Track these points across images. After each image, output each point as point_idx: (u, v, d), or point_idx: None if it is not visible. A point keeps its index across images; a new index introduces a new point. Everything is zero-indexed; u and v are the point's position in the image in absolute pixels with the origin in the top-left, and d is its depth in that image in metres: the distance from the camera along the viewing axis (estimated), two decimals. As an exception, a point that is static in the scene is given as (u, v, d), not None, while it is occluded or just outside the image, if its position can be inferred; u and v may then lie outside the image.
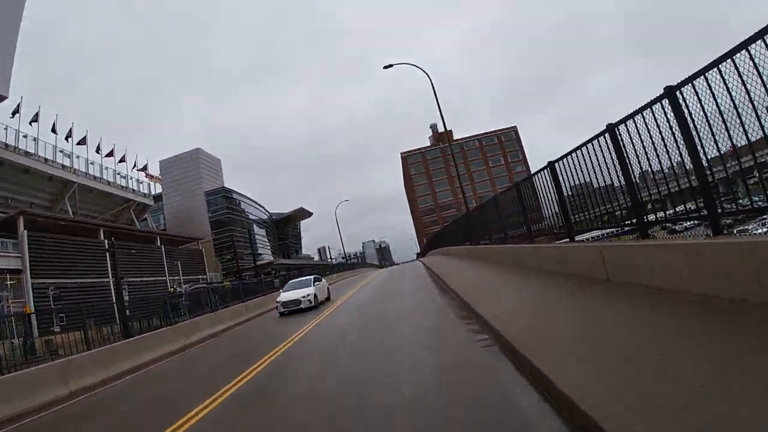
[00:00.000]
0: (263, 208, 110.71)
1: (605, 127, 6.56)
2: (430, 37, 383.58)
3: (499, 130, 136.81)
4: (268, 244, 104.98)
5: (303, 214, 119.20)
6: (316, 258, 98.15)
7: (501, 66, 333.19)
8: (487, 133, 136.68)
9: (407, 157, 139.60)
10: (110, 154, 56.10)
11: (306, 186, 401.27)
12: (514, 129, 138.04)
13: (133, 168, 60.74)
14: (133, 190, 58.17)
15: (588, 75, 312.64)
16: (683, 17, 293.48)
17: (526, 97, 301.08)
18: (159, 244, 52.50)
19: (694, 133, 4.95)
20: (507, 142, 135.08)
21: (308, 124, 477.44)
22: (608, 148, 6.66)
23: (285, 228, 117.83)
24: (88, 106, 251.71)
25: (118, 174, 56.31)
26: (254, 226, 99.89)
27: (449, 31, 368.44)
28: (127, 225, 54.53)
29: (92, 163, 52.52)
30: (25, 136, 43.79)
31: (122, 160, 58.25)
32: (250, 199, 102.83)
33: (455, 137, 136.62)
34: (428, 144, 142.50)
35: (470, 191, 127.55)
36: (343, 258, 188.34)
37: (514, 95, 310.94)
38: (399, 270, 35.56)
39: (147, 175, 72.10)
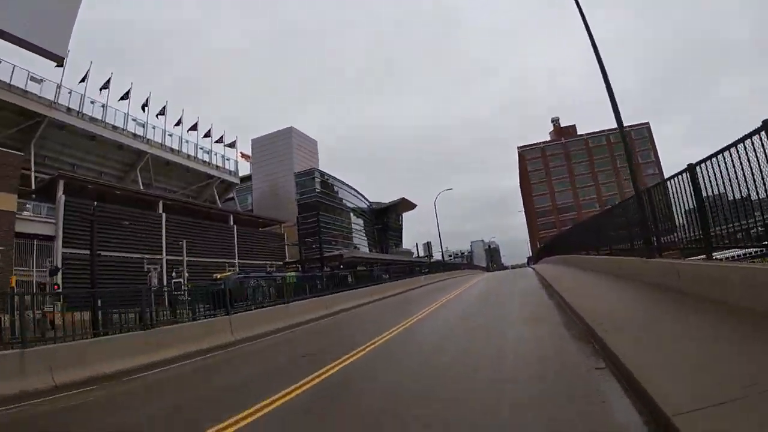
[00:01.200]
0: (363, 196, 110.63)
1: (761, 124, 5.68)
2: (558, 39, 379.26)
3: (630, 126, 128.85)
4: (364, 234, 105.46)
5: (406, 204, 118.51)
6: (415, 254, 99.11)
7: (631, 69, 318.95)
8: (616, 129, 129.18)
9: (524, 153, 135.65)
10: (193, 127, 56.16)
11: (418, 183, 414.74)
12: (647, 126, 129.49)
13: (219, 141, 60.53)
14: (217, 166, 58.31)
15: (714, 84, 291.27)
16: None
17: (656, 103, 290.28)
18: (231, 223, 51.01)
19: None
20: (638, 140, 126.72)
21: (428, 124, 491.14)
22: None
23: (385, 219, 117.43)
24: (210, 105, 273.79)
25: (201, 149, 56.10)
26: (351, 214, 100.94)
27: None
28: (202, 202, 54.05)
29: (170, 135, 52.53)
30: (92, 102, 44.71)
31: (207, 134, 58.20)
32: (348, 186, 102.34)
33: (580, 131, 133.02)
34: (548, 139, 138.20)
35: (594, 193, 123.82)
36: (450, 256, 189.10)
37: (641, 99, 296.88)
38: (505, 279, 31.75)
39: (241, 155, 75.04)
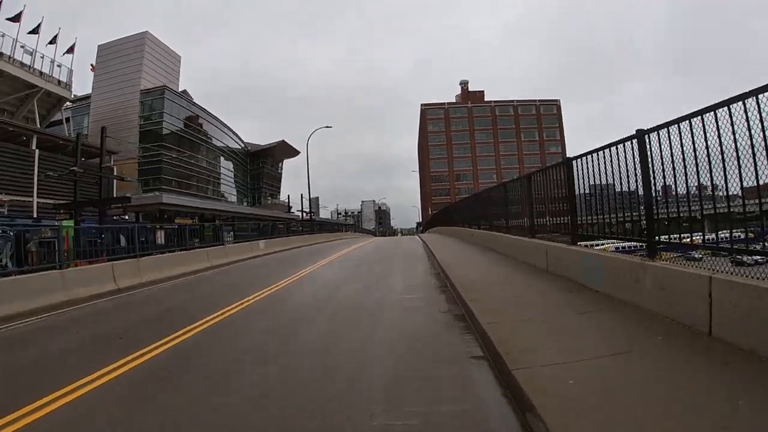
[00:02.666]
0: (236, 135, 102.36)
1: (634, 132, 7.10)
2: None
3: (539, 101, 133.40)
4: (233, 182, 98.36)
5: (286, 149, 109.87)
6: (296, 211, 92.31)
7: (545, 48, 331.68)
8: (525, 100, 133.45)
9: (427, 110, 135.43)
10: (15, 18, 46.30)
11: (319, 138, 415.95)
12: (557, 103, 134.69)
13: (52, 42, 50.60)
14: (41, 72, 48.49)
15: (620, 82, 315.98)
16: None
17: (565, 84, 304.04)
18: (33, 148, 42.49)
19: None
20: (546, 116, 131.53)
21: (333, 77, 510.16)
22: (633, 154, 7.24)
23: (261, 165, 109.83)
24: None
25: (23, 47, 46.41)
26: (219, 155, 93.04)
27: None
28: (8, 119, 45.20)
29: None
30: None
31: (34, 30, 48.51)
32: (218, 120, 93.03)
33: (487, 99, 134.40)
34: (454, 101, 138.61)
35: (493, 164, 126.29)
36: (340, 215, 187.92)
37: (552, 80, 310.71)
38: (390, 247, 30.80)
39: (91, 67, 68.55)
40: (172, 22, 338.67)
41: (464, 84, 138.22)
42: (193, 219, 43.13)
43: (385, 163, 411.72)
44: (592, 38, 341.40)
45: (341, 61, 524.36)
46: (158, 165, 71.14)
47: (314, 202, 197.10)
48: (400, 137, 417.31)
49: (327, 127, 48.77)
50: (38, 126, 47.51)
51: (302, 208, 53.89)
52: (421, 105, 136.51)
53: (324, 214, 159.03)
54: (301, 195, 52.86)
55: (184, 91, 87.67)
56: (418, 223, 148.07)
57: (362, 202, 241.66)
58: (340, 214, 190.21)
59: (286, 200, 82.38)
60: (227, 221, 37.38)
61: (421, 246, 28.49)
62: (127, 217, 39.93)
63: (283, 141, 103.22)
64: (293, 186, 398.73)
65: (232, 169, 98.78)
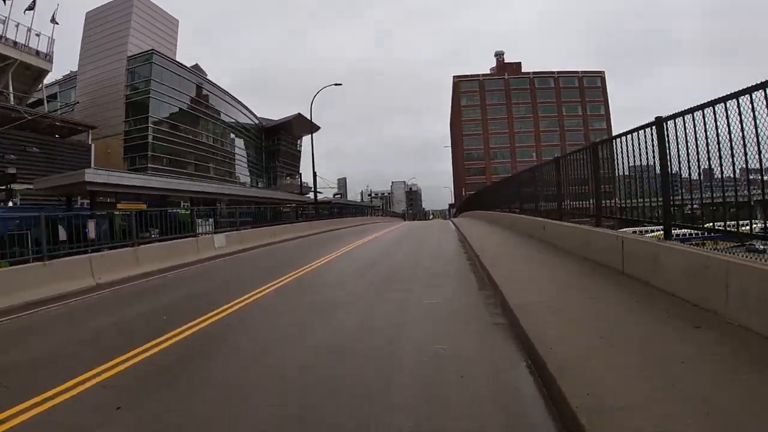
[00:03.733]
0: (248, 110, 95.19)
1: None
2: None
3: (582, 72, 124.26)
4: (245, 161, 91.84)
5: (303, 124, 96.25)
6: (325, 195, 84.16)
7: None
8: (567, 71, 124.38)
9: (460, 83, 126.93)
10: None
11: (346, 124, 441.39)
12: (601, 75, 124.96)
13: (30, 9, 45.48)
14: (15, 42, 43.75)
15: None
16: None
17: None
18: None
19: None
20: (590, 89, 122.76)
21: (365, 63, 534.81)
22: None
23: (276, 142, 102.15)
24: None
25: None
26: (229, 132, 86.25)
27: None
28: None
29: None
30: None
31: (30, 7, 44.77)
32: (225, 92, 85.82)
33: (524, 70, 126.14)
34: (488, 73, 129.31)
35: (532, 140, 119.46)
36: (370, 196, 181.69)
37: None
38: (417, 237, 24.53)
39: None
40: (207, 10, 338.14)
41: (500, 55, 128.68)
42: (184, 203, 37.14)
43: (418, 148, 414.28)
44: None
45: (374, 45, 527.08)
46: (144, 140, 64.72)
47: (342, 184, 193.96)
48: (434, 121, 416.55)
49: (336, 84, 42.20)
50: (11, 102, 42.46)
51: (315, 188, 47.24)
52: (453, 77, 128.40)
53: (353, 196, 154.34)
54: (313, 172, 46.29)
55: (196, 66, 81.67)
56: (451, 205, 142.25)
57: (392, 183, 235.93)
58: (370, 195, 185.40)
59: (306, 181, 75.82)
60: (208, 205, 31.53)
61: (455, 238, 22.58)
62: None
63: (300, 114, 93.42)
64: (324, 167, 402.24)
65: (244, 147, 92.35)
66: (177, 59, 73.91)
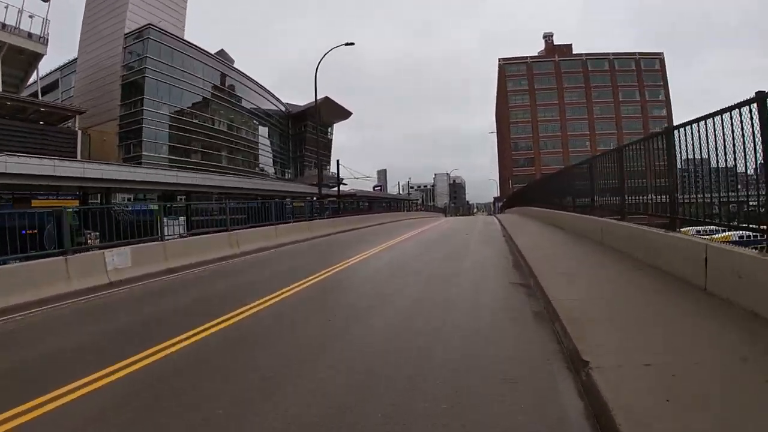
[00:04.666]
0: (271, 95, 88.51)
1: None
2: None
3: (639, 54, 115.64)
4: (269, 150, 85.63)
5: (332, 108, 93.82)
6: (357, 189, 77.29)
7: None
8: (622, 54, 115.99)
9: (505, 66, 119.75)
10: None
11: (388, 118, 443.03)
12: (660, 57, 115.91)
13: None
14: (3, 24, 41.06)
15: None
16: None
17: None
18: None
19: None
20: (647, 72, 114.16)
21: (407, 56, 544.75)
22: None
23: (302, 129, 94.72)
24: None
25: None
26: (252, 119, 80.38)
27: None
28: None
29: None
30: None
31: None
32: (242, 74, 79.21)
33: (576, 51, 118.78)
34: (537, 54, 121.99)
35: (586, 128, 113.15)
36: (413, 188, 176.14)
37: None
38: (450, 249, 17.89)
39: None
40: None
41: (548, 37, 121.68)
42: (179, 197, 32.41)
43: (463, 140, 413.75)
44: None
45: (414, 36, 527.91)
46: (138, 126, 59.20)
47: (382, 176, 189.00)
48: (480, 113, 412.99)
49: (349, 44, 35.64)
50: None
51: (338, 179, 41.54)
52: (499, 60, 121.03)
53: (394, 189, 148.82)
54: (337, 162, 40.45)
55: (221, 52, 76.82)
56: (496, 198, 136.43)
57: (435, 175, 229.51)
58: (411, 187, 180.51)
59: (335, 171, 69.99)
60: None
61: (503, 249, 16.56)
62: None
63: (327, 98, 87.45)
64: (363, 160, 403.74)
65: (267, 135, 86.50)
66: (187, 38, 68.98)
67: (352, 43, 34.23)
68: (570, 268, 9.88)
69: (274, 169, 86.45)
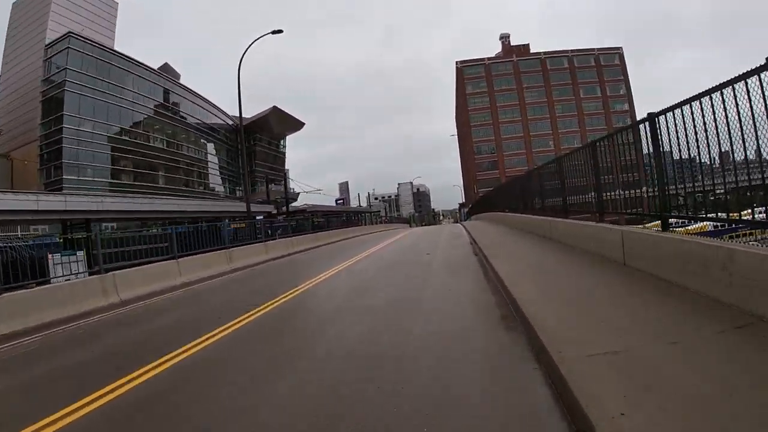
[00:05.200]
0: (217, 108, 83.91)
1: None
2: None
3: (598, 50, 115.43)
4: (216, 168, 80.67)
5: (284, 121, 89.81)
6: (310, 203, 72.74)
7: None
8: (581, 50, 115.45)
9: (463, 69, 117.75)
10: None
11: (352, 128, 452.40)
12: (619, 52, 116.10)
13: None
14: None
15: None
16: None
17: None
18: None
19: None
20: (607, 68, 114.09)
21: (372, 64, 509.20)
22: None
23: (253, 143, 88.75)
24: None
25: None
26: (198, 137, 75.31)
27: None
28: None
29: None
30: None
31: None
32: (181, 85, 74.54)
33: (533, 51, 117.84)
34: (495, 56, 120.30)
35: (548, 127, 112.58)
36: (377, 199, 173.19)
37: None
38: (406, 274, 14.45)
39: None
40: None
41: (505, 38, 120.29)
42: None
43: (426, 148, 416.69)
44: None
45: (374, 45, 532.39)
46: (58, 145, 54.18)
47: (344, 188, 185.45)
48: (442, 118, 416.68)
49: (276, 32, 31.61)
50: None
51: (287, 195, 37.78)
52: (457, 63, 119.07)
53: (357, 201, 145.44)
54: (284, 175, 36.58)
55: (164, 66, 72.56)
56: (461, 204, 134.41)
57: (399, 184, 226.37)
58: (376, 198, 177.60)
59: (294, 187, 65.93)
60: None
61: (476, 271, 13.37)
62: None
63: (275, 107, 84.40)
64: (328, 174, 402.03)
65: (213, 152, 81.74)
66: (117, 48, 63.96)
67: (280, 31, 30.47)
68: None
69: (224, 187, 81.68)
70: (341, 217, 49.29)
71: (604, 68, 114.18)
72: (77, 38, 55.95)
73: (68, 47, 54.88)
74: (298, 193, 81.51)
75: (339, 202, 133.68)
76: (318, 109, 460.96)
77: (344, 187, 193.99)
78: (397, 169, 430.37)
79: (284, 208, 53.76)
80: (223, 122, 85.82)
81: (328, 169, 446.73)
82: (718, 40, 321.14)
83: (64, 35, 55.21)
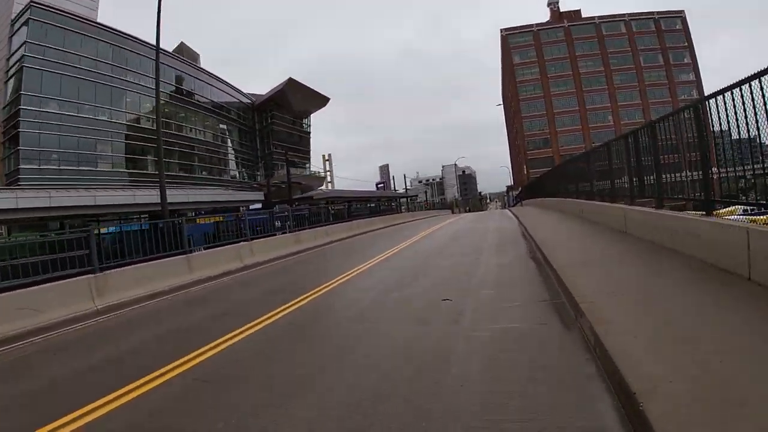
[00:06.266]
0: (227, 84, 77.19)
1: None
2: None
3: (658, 13, 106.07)
4: (230, 148, 74.13)
5: (302, 94, 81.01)
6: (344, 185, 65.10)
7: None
8: (639, 14, 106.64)
9: (509, 37, 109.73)
10: None
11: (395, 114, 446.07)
12: (681, 16, 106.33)
13: None
14: None
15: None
16: None
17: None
18: None
19: None
20: (669, 34, 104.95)
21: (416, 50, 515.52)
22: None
23: (268, 121, 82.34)
24: None
25: None
26: (211, 116, 69.69)
27: None
28: None
29: None
30: None
31: None
32: (187, 62, 68.59)
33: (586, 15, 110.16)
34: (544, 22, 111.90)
35: (606, 100, 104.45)
36: (421, 182, 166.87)
37: None
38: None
39: None
40: None
41: (553, 4, 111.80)
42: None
43: (473, 131, 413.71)
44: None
45: (421, 31, 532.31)
46: (15, 129, 49.19)
47: (384, 171, 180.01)
48: (486, 104, 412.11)
49: None
50: None
51: (289, 179, 31.84)
52: (501, 31, 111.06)
53: (400, 185, 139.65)
54: (286, 158, 30.52)
55: (180, 46, 67.49)
56: (509, 187, 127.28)
57: (443, 166, 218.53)
58: (420, 182, 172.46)
59: (320, 170, 59.57)
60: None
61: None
62: None
63: (291, 79, 76.26)
64: (369, 159, 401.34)
65: (225, 133, 74.97)
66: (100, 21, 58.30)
67: None
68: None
69: (239, 172, 75.92)
70: (367, 205, 43.22)
71: (666, 34, 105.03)
72: (39, 6, 50.67)
73: (29, 18, 49.89)
74: (323, 177, 75.75)
75: (380, 186, 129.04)
76: (365, 98, 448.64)
77: (385, 170, 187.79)
78: (444, 155, 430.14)
79: (293, 194, 47.73)
80: (236, 100, 79.69)
81: (375, 157, 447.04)
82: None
83: (26, 6, 50.31)
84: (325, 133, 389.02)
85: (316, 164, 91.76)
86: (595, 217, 16.98)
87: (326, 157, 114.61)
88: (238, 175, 71.98)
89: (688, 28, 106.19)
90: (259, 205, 46.97)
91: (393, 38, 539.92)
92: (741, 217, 8.12)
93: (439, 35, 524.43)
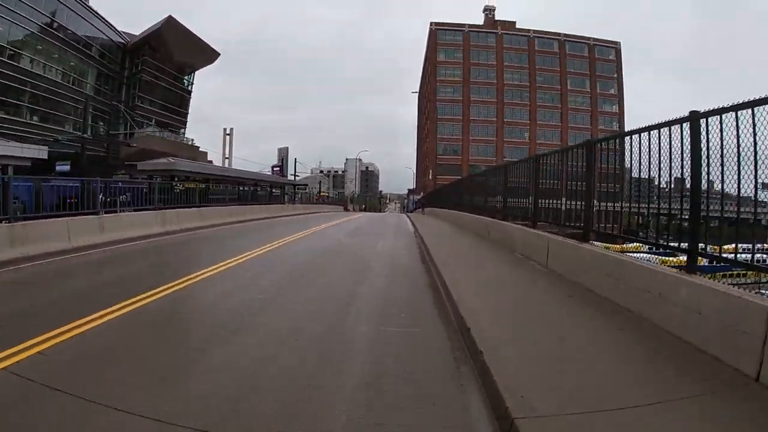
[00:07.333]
0: (100, 18, 64.68)
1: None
2: None
3: (594, 40, 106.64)
4: (73, 95, 61.28)
5: (185, 41, 70.95)
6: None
7: None
8: (574, 36, 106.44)
9: (438, 32, 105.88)
10: None
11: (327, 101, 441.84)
12: (616, 47, 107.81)
13: None
14: None
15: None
16: None
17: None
18: None
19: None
20: (601, 62, 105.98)
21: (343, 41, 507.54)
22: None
23: (138, 69, 70.85)
24: None
25: None
26: (65, 52, 58.29)
27: None
28: None
29: None
30: None
31: None
32: None
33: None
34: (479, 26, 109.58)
35: (526, 116, 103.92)
36: (322, 172, 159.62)
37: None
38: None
39: None
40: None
41: (489, 11, 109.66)
42: None
43: (387, 130, 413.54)
44: None
45: (353, 21, 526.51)
46: None
47: (284, 154, 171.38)
48: (407, 104, 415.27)
49: None
50: None
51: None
52: (431, 24, 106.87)
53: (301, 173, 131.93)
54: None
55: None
56: (410, 190, 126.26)
57: (346, 159, 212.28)
58: (321, 171, 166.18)
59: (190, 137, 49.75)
60: None
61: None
62: None
63: (171, 18, 65.64)
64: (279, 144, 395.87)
65: (75, 73, 62.11)
66: None
67: None
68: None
69: (89, 125, 60.42)
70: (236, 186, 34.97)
71: (598, 62, 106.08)
72: None
73: None
74: (195, 148, 66.42)
75: (276, 169, 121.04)
76: (289, 79, 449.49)
77: (283, 153, 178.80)
78: (353, 148, 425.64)
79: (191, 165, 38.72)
80: (104, 37, 67.26)
81: (286, 140, 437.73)
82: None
83: None
84: (233, 106, 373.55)
85: (212, 136, 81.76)
86: (508, 241, 15.56)
87: (227, 131, 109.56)
88: (82, 126, 58.32)
89: (621, 60, 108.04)
90: (67, 167, 36.83)
91: (331, 19, 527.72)
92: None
93: (380, 25, 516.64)
